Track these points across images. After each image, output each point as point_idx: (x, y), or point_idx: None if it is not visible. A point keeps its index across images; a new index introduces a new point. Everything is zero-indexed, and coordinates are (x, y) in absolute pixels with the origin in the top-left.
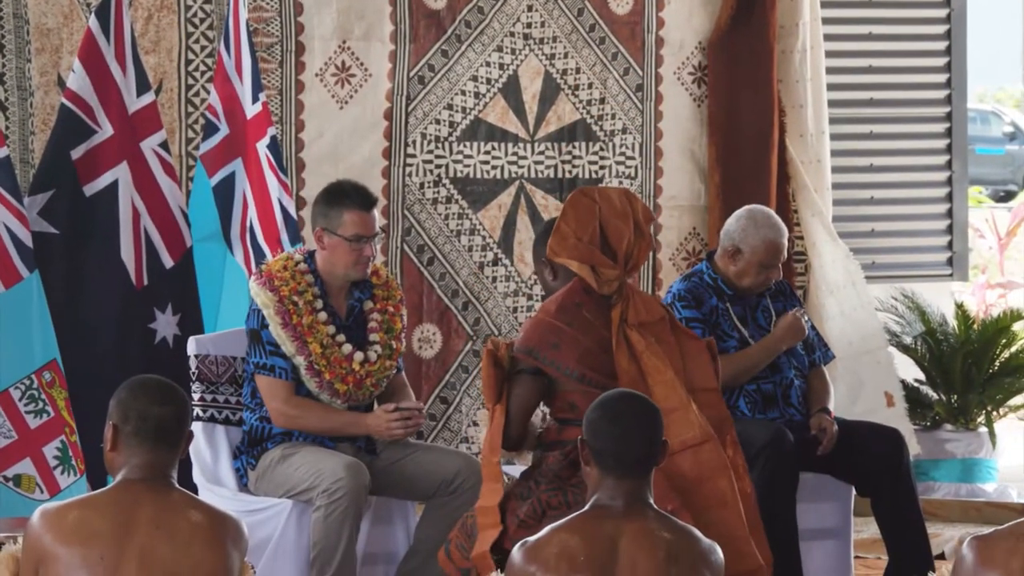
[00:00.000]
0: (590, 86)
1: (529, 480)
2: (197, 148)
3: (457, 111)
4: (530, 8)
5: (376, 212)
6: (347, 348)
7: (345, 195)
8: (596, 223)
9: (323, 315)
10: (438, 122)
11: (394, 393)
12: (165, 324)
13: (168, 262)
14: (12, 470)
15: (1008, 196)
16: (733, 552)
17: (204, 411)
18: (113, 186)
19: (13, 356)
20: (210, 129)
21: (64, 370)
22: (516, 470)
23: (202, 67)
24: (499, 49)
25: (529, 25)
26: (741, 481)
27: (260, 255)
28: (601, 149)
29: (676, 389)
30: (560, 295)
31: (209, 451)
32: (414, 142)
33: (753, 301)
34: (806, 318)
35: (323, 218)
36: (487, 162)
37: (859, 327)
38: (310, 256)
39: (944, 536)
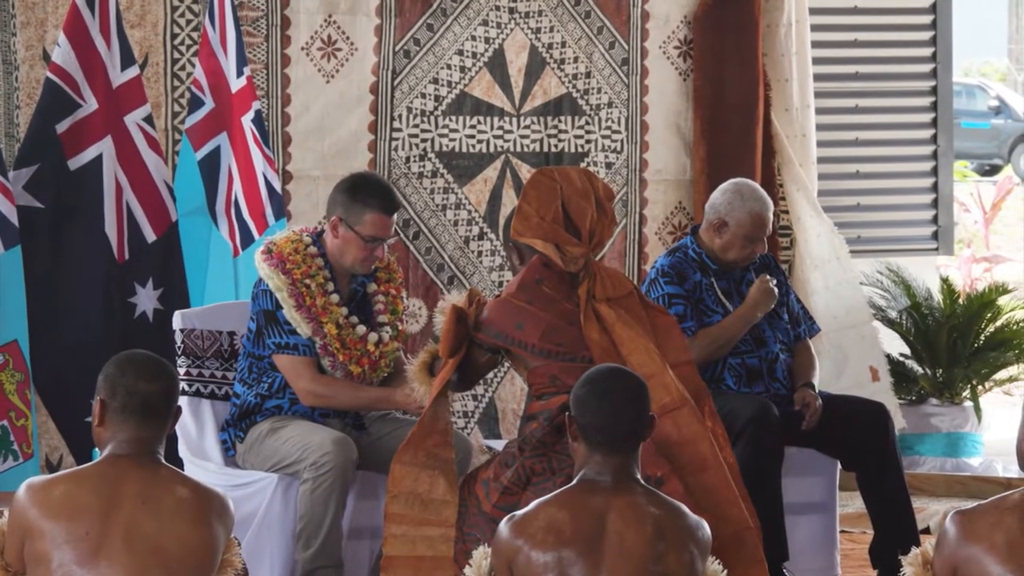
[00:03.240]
0: (576, 60)
1: (512, 447)
2: (183, 122)
3: (443, 85)
4: None
5: (395, 215)
6: (361, 329)
7: (371, 195)
8: (558, 202)
9: (335, 297)
10: (424, 96)
11: (396, 372)
12: (146, 298)
13: (151, 236)
14: None
15: (993, 170)
16: (721, 515)
17: (190, 385)
18: (97, 160)
19: None
20: (195, 103)
21: (46, 344)
22: (501, 444)
23: (187, 41)
24: (485, 23)
25: None
26: (723, 451)
27: (245, 229)
28: (587, 123)
29: (651, 355)
30: (520, 274)
31: (194, 425)
32: (400, 116)
33: (738, 276)
34: (773, 282)
35: (343, 209)
36: (473, 136)
37: (844, 301)
38: (317, 237)
39: (929, 510)
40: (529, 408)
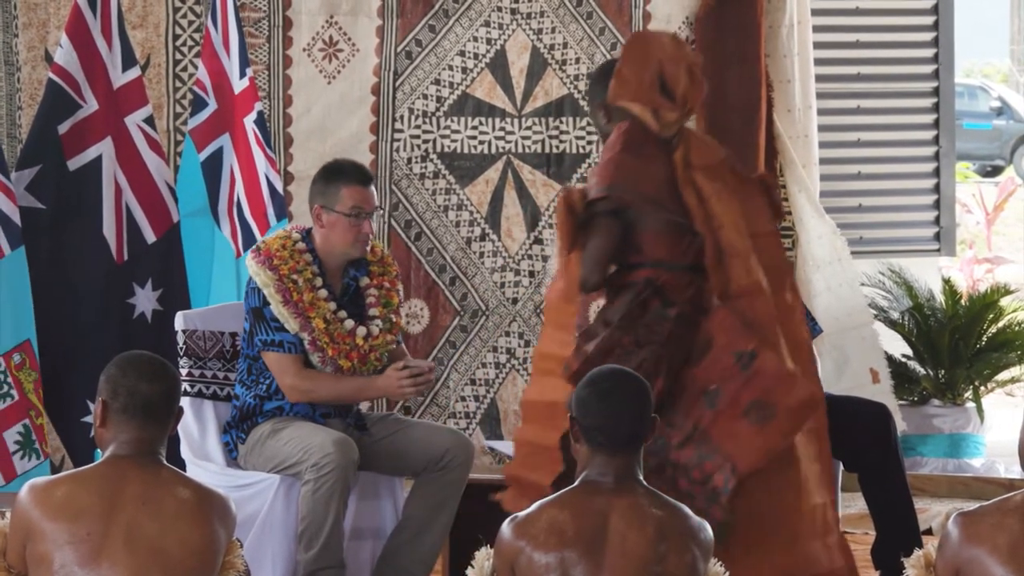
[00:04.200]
0: (577, 61)
1: (598, 323)
2: (185, 123)
3: (444, 86)
4: None
5: (374, 189)
6: (349, 323)
7: (341, 171)
8: (655, 66)
9: (323, 292)
10: (425, 97)
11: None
12: (144, 299)
13: (150, 237)
14: None
15: (995, 171)
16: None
17: (192, 386)
18: (97, 161)
19: None
20: (198, 104)
21: (45, 345)
22: (504, 445)
23: (189, 42)
24: (486, 24)
25: (516, 0)
26: (800, 327)
27: (247, 230)
28: (588, 124)
29: (741, 234)
30: (620, 135)
31: (197, 426)
32: (401, 117)
33: None
34: None
35: (321, 196)
36: (474, 137)
37: (845, 303)
38: (307, 234)
39: (932, 511)
40: (614, 278)
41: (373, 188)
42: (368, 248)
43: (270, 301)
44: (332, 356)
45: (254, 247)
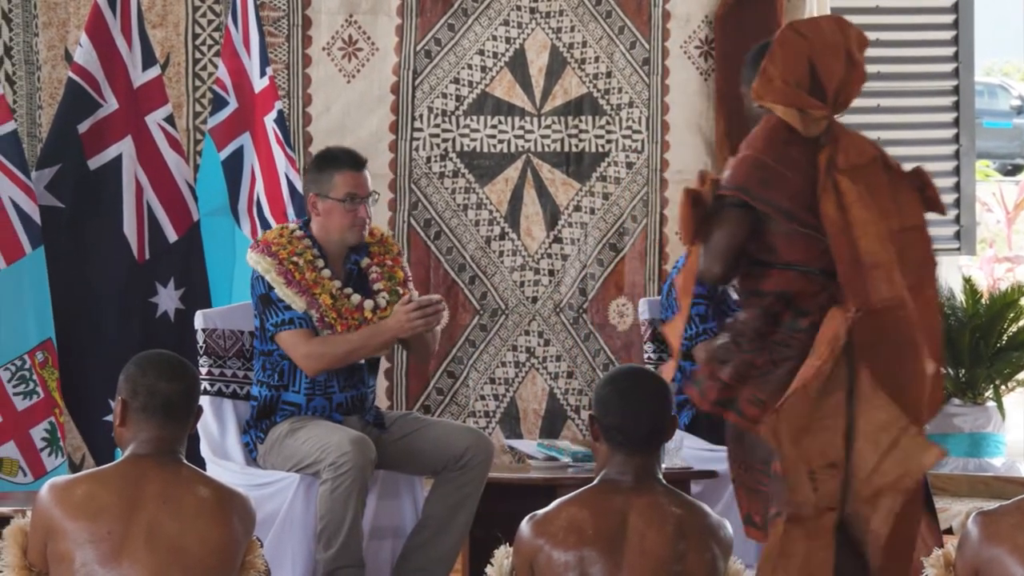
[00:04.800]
0: (597, 60)
1: (728, 343)
2: (204, 122)
3: (464, 85)
4: None
5: (367, 173)
6: (356, 298)
7: (334, 158)
8: (806, 63)
9: (326, 272)
10: (445, 96)
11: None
12: (167, 298)
13: (172, 236)
14: None
15: (1016, 170)
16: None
17: (212, 385)
18: (117, 160)
19: (7, 336)
20: (219, 103)
21: (65, 344)
22: (524, 444)
23: (209, 41)
24: (506, 23)
25: None
26: (935, 319)
27: (267, 229)
28: (608, 123)
29: (884, 244)
30: (765, 131)
31: (216, 425)
32: (421, 116)
33: None
34: None
35: (314, 184)
36: (494, 136)
37: None
38: (305, 224)
39: (952, 510)
40: (744, 280)
41: (367, 172)
42: (366, 232)
43: (274, 285)
44: (341, 331)
45: (252, 243)
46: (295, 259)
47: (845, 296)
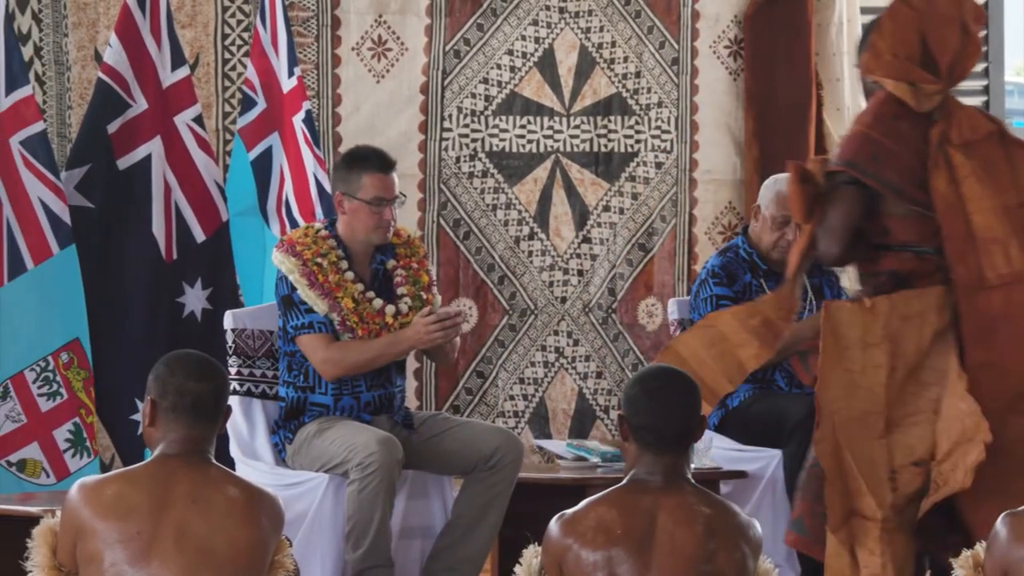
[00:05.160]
0: (626, 60)
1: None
2: (234, 122)
3: (493, 85)
4: None
5: (395, 175)
6: (378, 302)
7: (363, 158)
8: (916, 36)
9: (350, 274)
10: (474, 96)
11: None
12: (194, 298)
13: (200, 236)
14: (17, 455)
15: None
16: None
17: (241, 385)
18: (146, 160)
19: (33, 336)
20: (248, 103)
21: (93, 344)
22: (553, 444)
23: (238, 41)
24: (535, 23)
25: None
26: None
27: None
28: (637, 123)
29: (999, 218)
30: (875, 106)
31: (246, 425)
32: (450, 116)
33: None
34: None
35: (343, 183)
36: (523, 136)
37: None
38: (331, 224)
39: None
40: (862, 265)
41: (394, 175)
42: (392, 233)
43: (296, 286)
44: (362, 336)
45: (278, 242)
46: (319, 260)
47: (954, 274)
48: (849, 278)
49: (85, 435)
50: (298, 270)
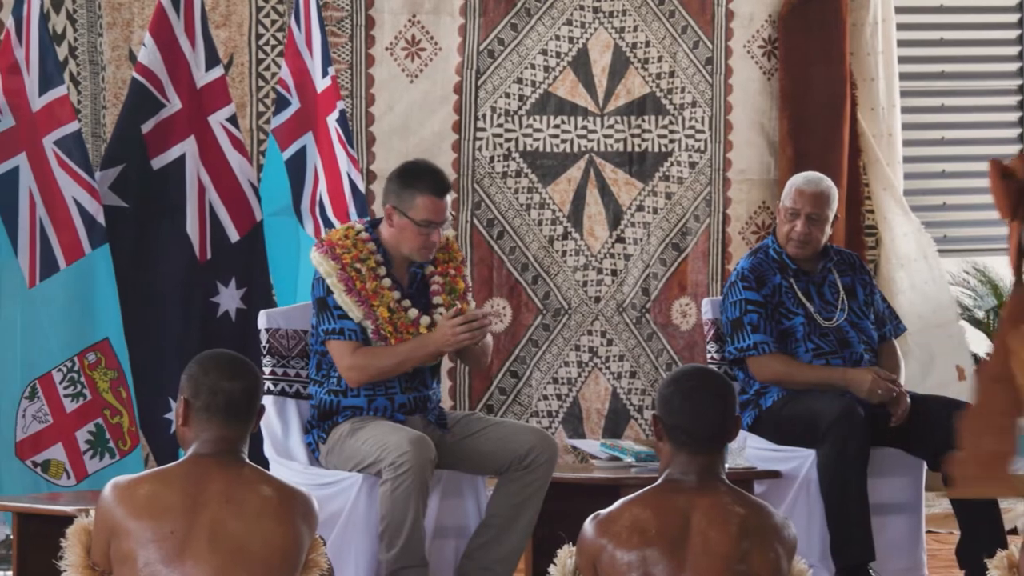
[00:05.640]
0: (660, 59)
1: None
2: (268, 122)
3: (527, 85)
4: None
5: (448, 198)
6: (413, 312)
7: (419, 178)
8: None
9: (387, 281)
10: (508, 96)
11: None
12: (228, 298)
13: (234, 236)
14: (43, 455)
15: None
16: None
17: (275, 385)
18: (180, 160)
19: (63, 336)
20: (282, 103)
21: (128, 345)
22: (587, 444)
23: (272, 41)
24: (569, 23)
25: None
26: None
27: (330, 228)
28: (670, 123)
29: None
30: None
31: (280, 425)
32: (484, 116)
33: (819, 277)
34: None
35: (395, 197)
36: (556, 136)
37: (930, 301)
38: (371, 225)
39: (1017, 511)
40: None
41: (448, 198)
42: (433, 254)
43: (333, 290)
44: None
45: (317, 240)
46: (357, 265)
47: None
48: (883, 277)
49: (108, 436)
50: (336, 274)
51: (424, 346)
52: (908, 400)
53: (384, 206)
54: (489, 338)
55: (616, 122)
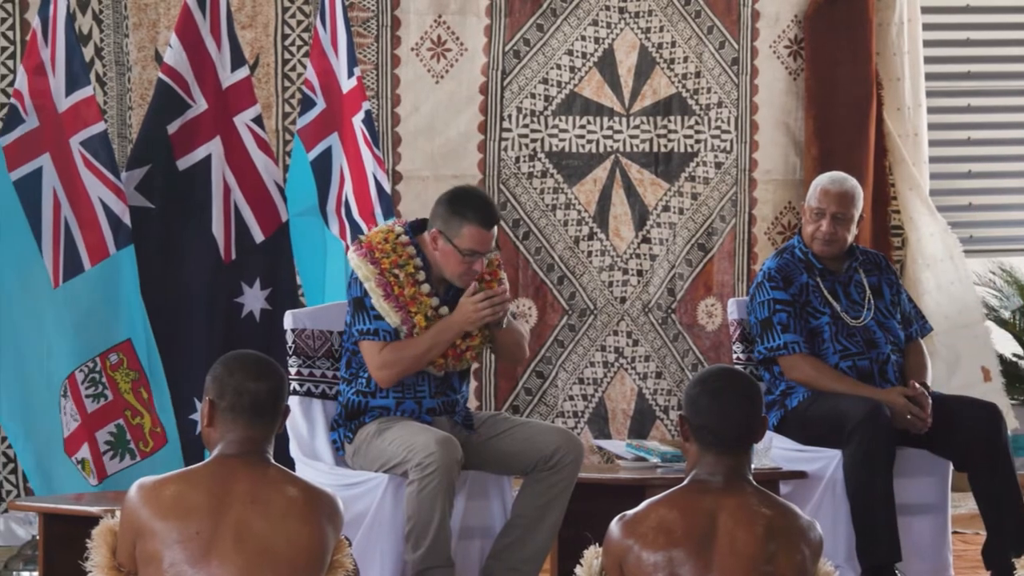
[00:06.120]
0: (685, 60)
1: None
2: (294, 123)
3: (552, 85)
4: None
5: (496, 229)
6: None
7: (468, 207)
8: None
9: (425, 287)
10: (533, 96)
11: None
12: (253, 298)
13: (259, 236)
14: (79, 453)
15: None
16: None
17: (301, 385)
18: (206, 160)
19: (87, 337)
20: (307, 104)
21: (155, 345)
22: (613, 444)
23: (298, 42)
24: (594, 23)
25: None
26: None
27: (356, 230)
28: (696, 123)
29: None
30: None
31: (306, 425)
32: (509, 116)
33: (845, 276)
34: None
35: (442, 222)
36: (582, 136)
37: (956, 301)
38: (411, 229)
39: None
40: None
41: (495, 228)
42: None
43: (371, 295)
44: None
45: (356, 240)
46: (396, 271)
47: None
48: (909, 278)
49: (129, 437)
50: (374, 279)
51: (448, 328)
52: (929, 421)
53: (429, 229)
54: (525, 329)
55: (642, 122)
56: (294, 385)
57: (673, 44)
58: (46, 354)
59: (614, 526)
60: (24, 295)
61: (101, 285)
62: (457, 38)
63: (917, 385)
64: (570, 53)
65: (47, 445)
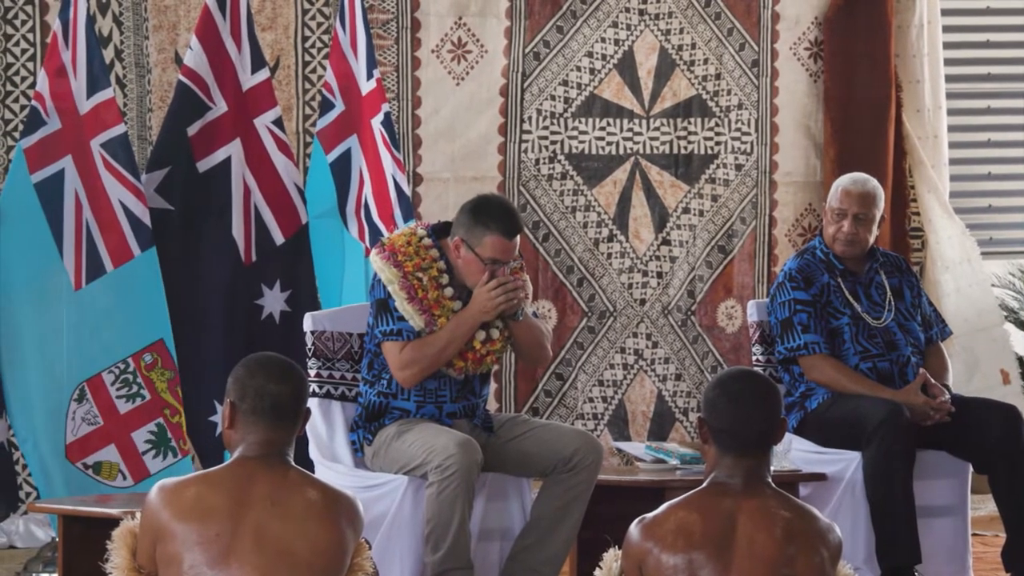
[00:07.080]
0: (705, 62)
1: None
2: (314, 125)
3: (572, 87)
4: None
5: (518, 238)
6: None
7: (491, 216)
8: None
9: (449, 290)
10: (553, 98)
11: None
12: (273, 300)
13: (279, 238)
14: (93, 457)
15: None
16: None
17: (320, 387)
18: (226, 162)
19: (112, 339)
20: (326, 106)
21: (175, 347)
22: (632, 446)
23: (318, 44)
24: (614, 25)
25: (644, 1)
26: None
27: (375, 232)
28: (716, 125)
29: None
30: None
31: (325, 427)
32: (529, 118)
33: (866, 278)
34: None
35: (464, 230)
36: (602, 138)
37: (975, 304)
38: (434, 231)
39: None
40: None
41: (518, 238)
42: None
43: (395, 297)
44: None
45: (379, 243)
46: (419, 274)
47: None
48: (928, 280)
49: (170, 435)
50: (398, 282)
51: (465, 320)
52: (947, 399)
53: (452, 237)
54: (547, 329)
55: (662, 124)
56: (313, 387)
57: (693, 46)
58: (61, 358)
59: (633, 528)
60: (40, 299)
61: (124, 287)
62: (477, 40)
63: (925, 372)
64: (590, 55)
65: (51, 450)
